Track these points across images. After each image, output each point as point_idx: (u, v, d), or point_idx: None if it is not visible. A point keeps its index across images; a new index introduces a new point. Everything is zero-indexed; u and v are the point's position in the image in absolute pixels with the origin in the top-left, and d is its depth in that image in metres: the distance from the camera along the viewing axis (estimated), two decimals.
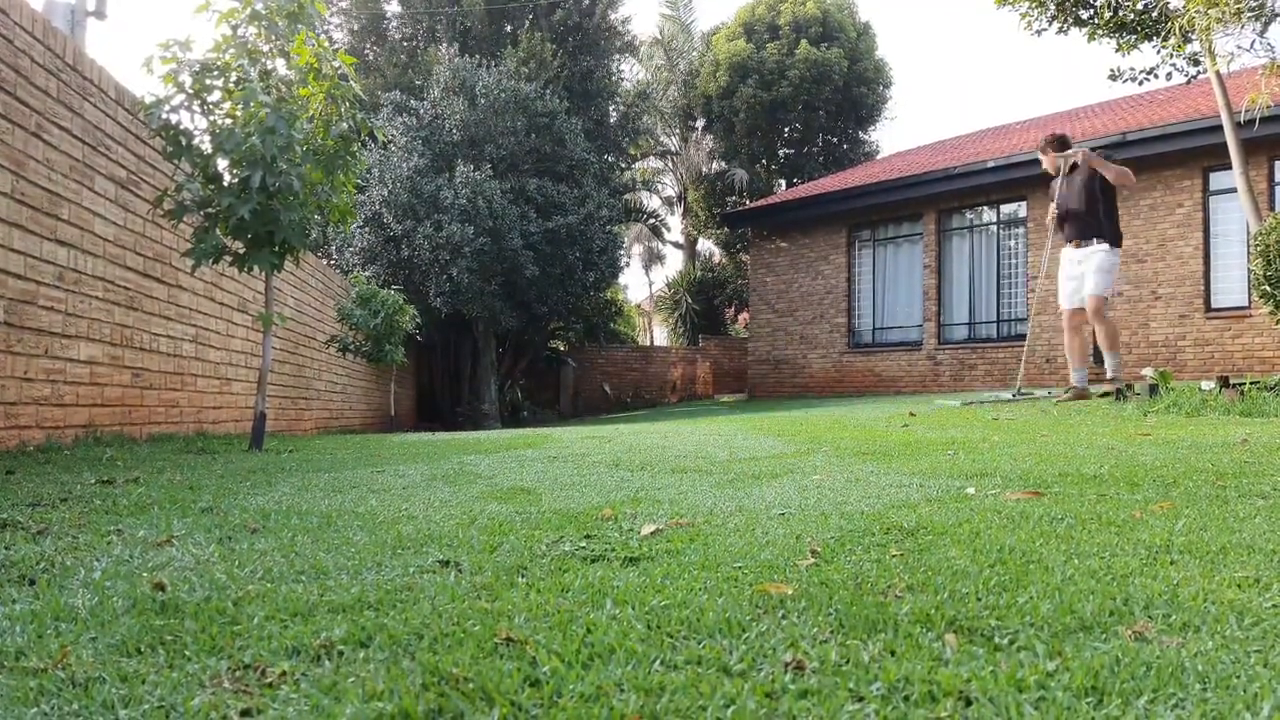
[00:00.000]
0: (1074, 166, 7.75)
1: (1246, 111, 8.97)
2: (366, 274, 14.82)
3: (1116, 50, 9.98)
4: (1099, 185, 7.56)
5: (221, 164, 5.32)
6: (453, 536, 2.41)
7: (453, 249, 15.25)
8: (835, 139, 26.78)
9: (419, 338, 15.18)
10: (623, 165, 23.37)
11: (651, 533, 2.46)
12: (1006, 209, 14.14)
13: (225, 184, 5.28)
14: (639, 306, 35.98)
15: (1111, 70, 10.20)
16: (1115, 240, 7.75)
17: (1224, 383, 7.76)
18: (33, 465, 3.84)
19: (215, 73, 5.23)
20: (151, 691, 1.28)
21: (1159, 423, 6.33)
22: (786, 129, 26.24)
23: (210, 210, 5.28)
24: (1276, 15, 8.77)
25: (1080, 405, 8.23)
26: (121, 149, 5.52)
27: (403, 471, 4.19)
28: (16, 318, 4.33)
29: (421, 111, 16.80)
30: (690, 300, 25.58)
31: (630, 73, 25.89)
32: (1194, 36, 8.98)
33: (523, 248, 16.01)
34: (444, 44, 19.66)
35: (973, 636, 1.50)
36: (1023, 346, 13.43)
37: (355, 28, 21.33)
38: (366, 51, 20.97)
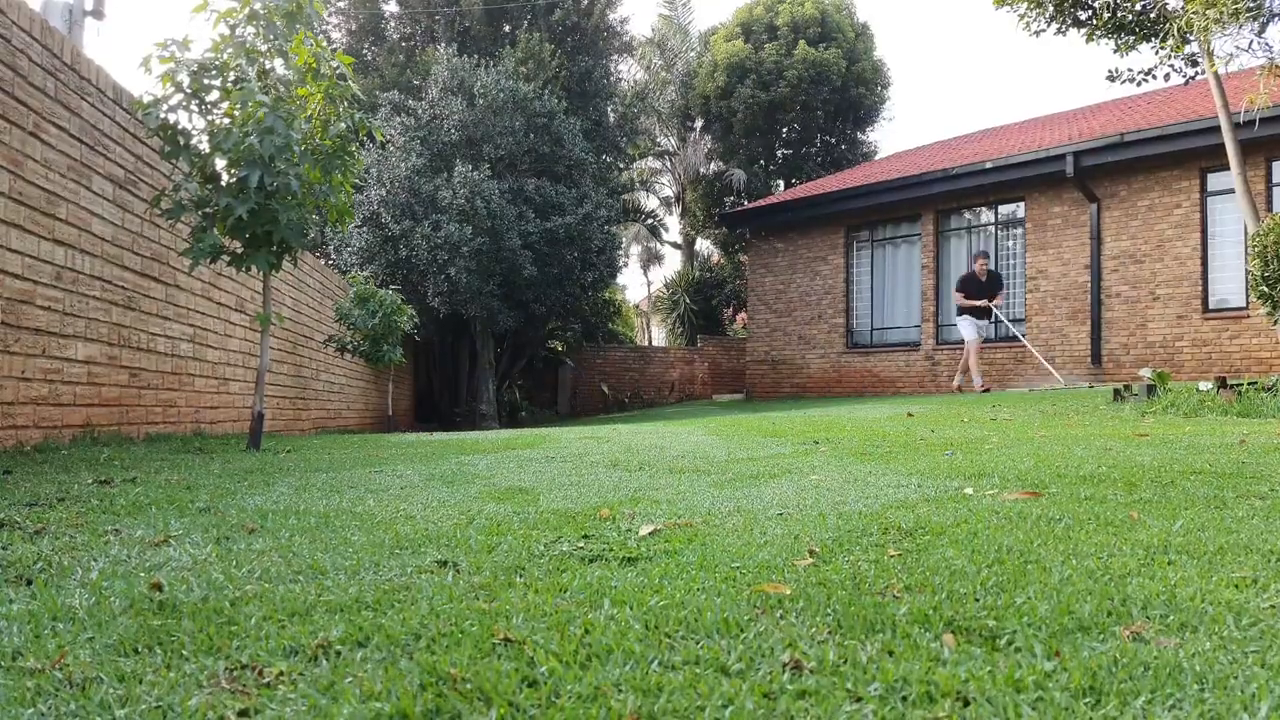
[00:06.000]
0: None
1: (1246, 112, 8.97)
2: (364, 274, 14.80)
3: (1115, 51, 9.98)
4: None
5: (219, 163, 5.32)
6: (450, 537, 2.41)
7: (451, 249, 15.25)
8: (833, 139, 26.76)
9: (417, 338, 15.15)
10: (621, 165, 23.36)
11: (649, 533, 2.46)
12: (1005, 209, 14.15)
13: (223, 183, 5.28)
14: (637, 307, 35.97)
15: (1110, 71, 10.20)
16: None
17: (1221, 383, 7.77)
18: (30, 465, 3.83)
19: (213, 72, 5.23)
20: (149, 692, 1.28)
21: (1157, 423, 6.33)
22: (784, 129, 26.23)
23: (208, 210, 5.27)
24: (1275, 15, 8.77)
25: (1078, 405, 8.24)
26: (119, 148, 5.51)
27: (400, 472, 4.19)
28: (14, 317, 4.32)
29: (419, 111, 16.78)
30: (688, 300, 25.56)
31: (628, 73, 25.90)
32: (1192, 37, 8.99)
33: (521, 248, 16.00)
34: (442, 44, 19.64)
35: (971, 637, 1.50)
36: (1023, 347, 13.44)
37: (353, 27, 21.30)
38: (365, 51, 20.95)
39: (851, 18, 26.23)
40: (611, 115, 20.86)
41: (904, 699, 1.24)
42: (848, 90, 25.26)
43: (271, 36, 5.41)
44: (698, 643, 1.49)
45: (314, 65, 5.50)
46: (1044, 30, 10.16)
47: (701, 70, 26.10)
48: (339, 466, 4.42)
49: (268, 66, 5.53)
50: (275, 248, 5.41)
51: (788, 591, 1.77)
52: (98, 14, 9.53)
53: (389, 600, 1.74)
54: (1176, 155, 11.85)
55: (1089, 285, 12.79)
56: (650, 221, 29.39)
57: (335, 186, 5.68)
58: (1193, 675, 1.30)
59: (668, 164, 29.02)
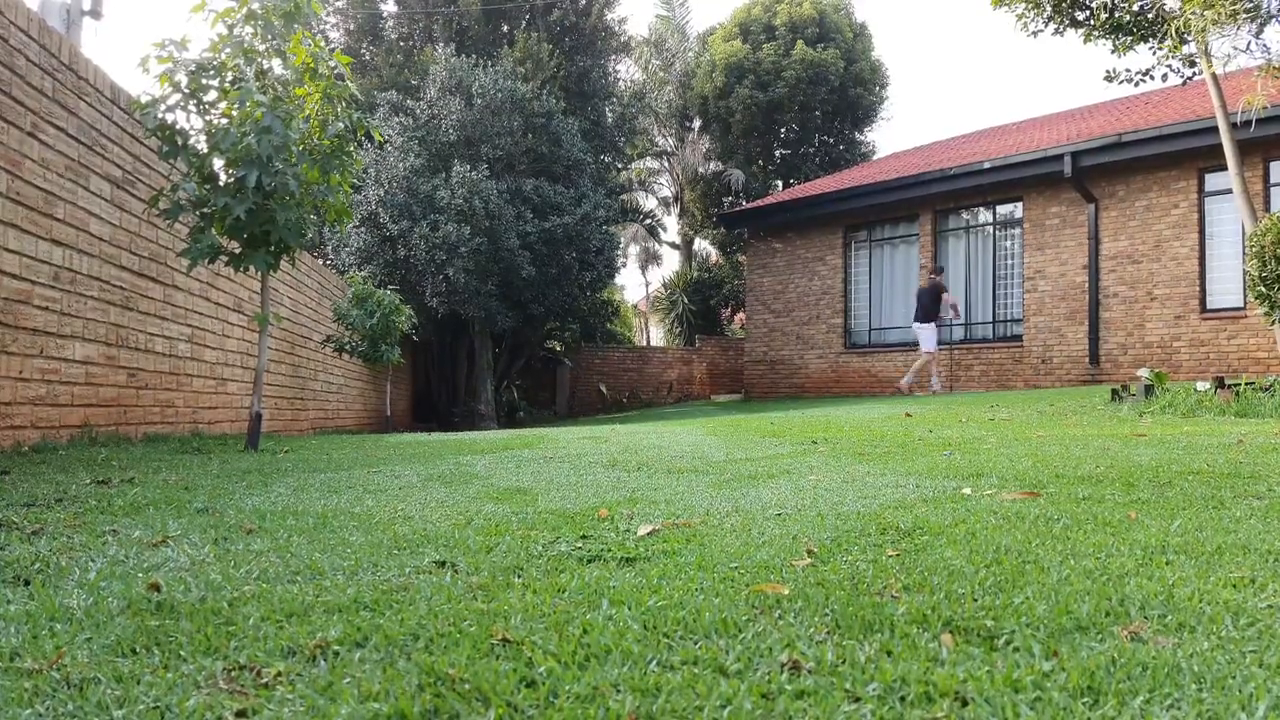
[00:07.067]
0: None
1: (1243, 113, 8.98)
2: (363, 274, 14.79)
3: (1113, 51, 9.98)
4: None
5: (217, 164, 5.32)
6: (449, 537, 2.41)
7: (449, 249, 15.24)
8: (831, 140, 26.76)
9: (415, 338, 15.14)
10: (619, 166, 23.36)
11: (648, 533, 2.46)
12: (1003, 210, 14.16)
13: (221, 183, 5.28)
14: (635, 307, 35.96)
15: (1108, 71, 10.21)
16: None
17: (1219, 383, 7.77)
18: (28, 465, 3.83)
19: (211, 72, 5.23)
20: (146, 692, 1.28)
21: (1155, 423, 6.34)
22: (783, 130, 26.24)
23: (206, 210, 5.27)
24: (1272, 16, 8.78)
25: (1076, 405, 8.25)
26: (117, 148, 5.51)
27: (399, 472, 4.19)
28: (11, 317, 4.32)
29: (418, 111, 16.77)
30: (687, 301, 25.57)
31: (626, 73, 25.90)
32: (1190, 38, 9.00)
33: (519, 248, 15.99)
34: (440, 44, 19.64)
35: (969, 637, 1.50)
36: (1021, 347, 13.45)
37: (351, 27, 21.29)
38: (363, 51, 20.93)
39: (849, 18, 26.23)
40: (610, 115, 20.85)
41: (902, 699, 1.24)
42: (846, 90, 25.27)
43: (269, 36, 5.41)
44: (696, 643, 1.49)
45: (312, 65, 5.50)
46: (1041, 30, 10.16)
47: (699, 70, 26.10)
48: (337, 467, 4.42)
49: (266, 66, 5.52)
50: (273, 248, 5.41)
51: (786, 592, 1.77)
52: (95, 13, 9.52)
53: (387, 601, 1.74)
54: (1174, 155, 11.86)
55: (1087, 285, 12.80)
56: (648, 222, 29.38)
57: (333, 186, 5.68)
58: (1191, 675, 1.30)
59: (666, 164, 29.03)
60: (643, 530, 2.49)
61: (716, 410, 15.06)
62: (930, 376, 13.23)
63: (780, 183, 26.67)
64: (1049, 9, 9.89)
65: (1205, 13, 8.15)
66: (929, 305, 13.12)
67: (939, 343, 13.37)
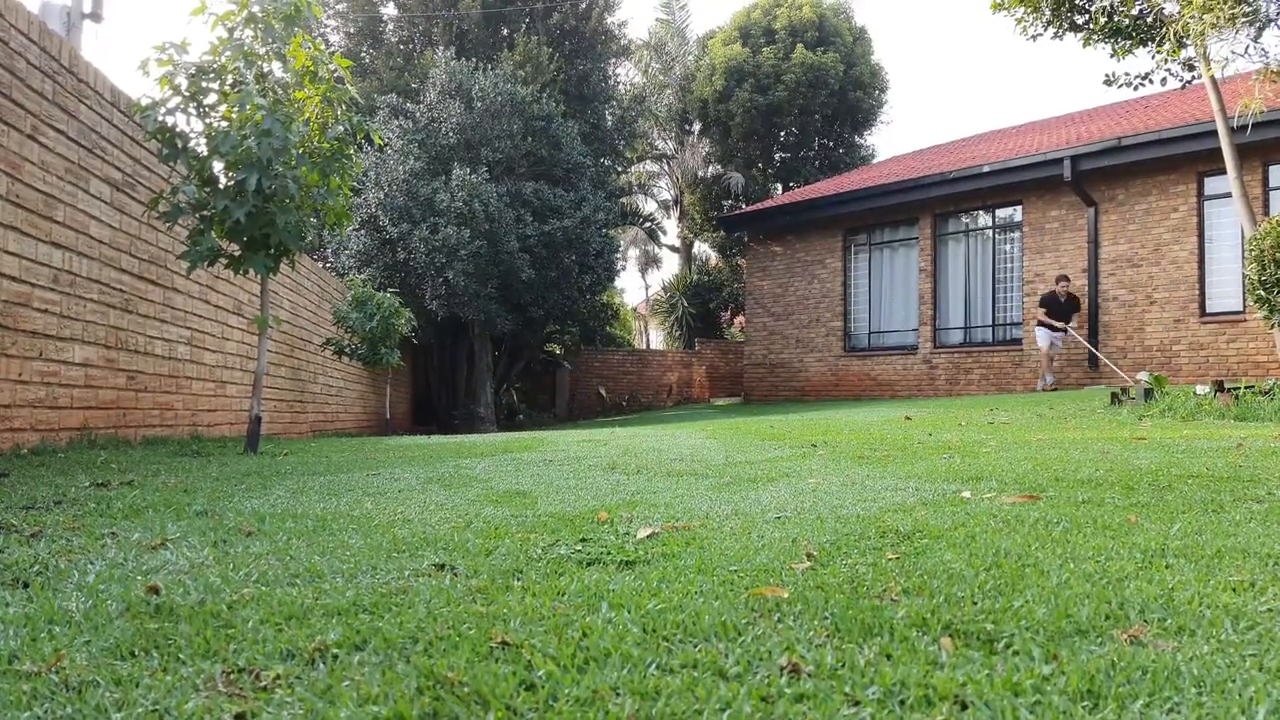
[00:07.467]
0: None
1: (1241, 116, 8.99)
2: (362, 277, 14.79)
3: (1112, 55, 10.00)
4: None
5: (217, 166, 5.32)
6: (448, 540, 2.41)
7: (449, 252, 15.24)
8: (831, 143, 26.80)
9: (415, 341, 15.14)
10: (619, 169, 23.37)
11: (647, 536, 2.46)
12: (1002, 213, 14.17)
13: (221, 186, 5.28)
14: (635, 310, 35.99)
15: (1107, 75, 10.23)
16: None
17: (1219, 387, 7.77)
18: (27, 468, 3.82)
19: (211, 75, 5.23)
20: (145, 695, 1.28)
21: (1154, 426, 6.34)
22: (782, 133, 26.27)
23: (206, 213, 5.27)
24: (1270, 20, 8.80)
25: (1076, 409, 8.25)
26: (117, 151, 5.51)
27: (398, 475, 4.18)
28: (11, 320, 4.32)
29: (418, 114, 16.78)
30: (686, 304, 25.58)
31: (626, 76, 25.91)
32: (1189, 42, 9.01)
33: (519, 251, 15.99)
34: (440, 47, 19.65)
35: (969, 640, 1.50)
36: (1020, 350, 13.45)
37: (351, 30, 21.30)
38: (363, 54, 20.95)
39: (849, 21, 26.27)
40: (609, 119, 20.86)
41: (902, 703, 1.24)
42: (845, 94, 25.30)
43: (270, 39, 5.41)
44: (695, 646, 1.48)
45: (312, 68, 5.51)
46: (1041, 35, 10.18)
47: (699, 74, 26.12)
48: (336, 469, 4.41)
49: (266, 69, 5.52)
50: (273, 250, 5.41)
51: (785, 595, 1.77)
52: (96, 16, 9.53)
53: (386, 603, 1.74)
54: (1173, 159, 11.87)
55: (1086, 289, 12.80)
56: (648, 225, 29.42)
57: (333, 189, 5.68)
58: (1190, 679, 1.30)
59: (666, 167, 29.05)
60: (642, 533, 2.49)
61: (716, 413, 15.06)
62: (1045, 373, 12.95)
63: (780, 186, 26.69)
64: (1048, 13, 9.91)
65: (1204, 17, 8.16)
66: (1065, 311, 12.74)
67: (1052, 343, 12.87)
